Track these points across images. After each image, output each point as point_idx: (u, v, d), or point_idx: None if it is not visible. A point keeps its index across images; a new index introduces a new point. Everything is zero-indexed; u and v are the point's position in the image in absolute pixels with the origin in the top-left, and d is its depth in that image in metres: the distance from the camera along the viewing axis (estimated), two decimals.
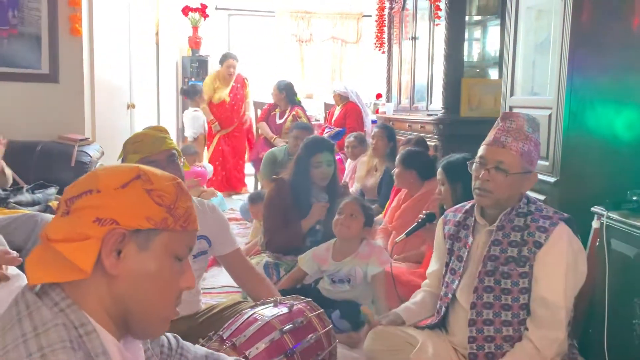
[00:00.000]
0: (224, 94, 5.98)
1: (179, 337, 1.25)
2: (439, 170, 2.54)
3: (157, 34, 5.90)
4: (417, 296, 2.12)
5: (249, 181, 6.34)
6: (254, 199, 4.02)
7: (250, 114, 6.44)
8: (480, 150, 1.84)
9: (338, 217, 2.66)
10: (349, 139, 4.91)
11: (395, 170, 3.31)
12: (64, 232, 0.87)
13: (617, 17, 2.26)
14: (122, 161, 2.07)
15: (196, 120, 5.85)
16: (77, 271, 0.85)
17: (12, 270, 1.89)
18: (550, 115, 2.40)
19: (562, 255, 1.73)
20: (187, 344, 1.24)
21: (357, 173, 4.68)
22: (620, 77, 2.27)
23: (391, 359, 1.98)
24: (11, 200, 2.61)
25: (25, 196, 2.70)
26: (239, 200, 5.36)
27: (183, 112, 6.32)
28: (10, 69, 3.47)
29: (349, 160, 5.04)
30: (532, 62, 2.71)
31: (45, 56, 3.47)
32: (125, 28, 4.52)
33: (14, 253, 1.80)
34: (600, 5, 2.25)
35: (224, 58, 6.03)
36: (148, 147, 1.99)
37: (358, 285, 2.61)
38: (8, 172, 2.69)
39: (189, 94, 6.05)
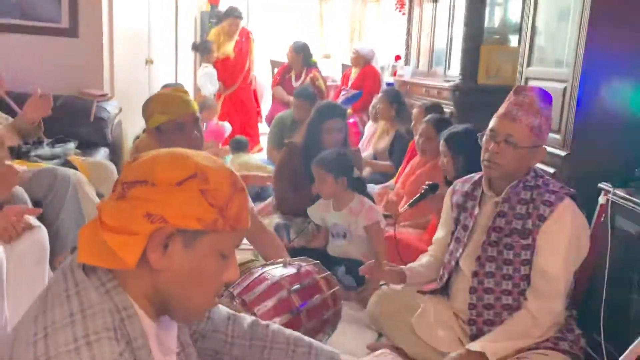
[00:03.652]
0: (228, 49, 5.88)
1: None
2: (442, 142, 2.56)
3: None
4: (423, 259, 2.18)
5: (264, 140, 6.36)
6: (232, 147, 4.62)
7: (257, 73, 6.35)
8: (491, 123, 1.85)
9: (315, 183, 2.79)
10: (375, 101, 4.91)
11: (421, 139, 3.21)
12: (115, 220, 0.88)
13: None
14: (146, 121, 2.12)
15: (211, 76, 5.81)
16: (122, 262, 0.87)
17: (34, 222, 1.97)
18: (565, 89, 2.39)
19: (565, 230, 1.76)
20: None
21: (374, 137, 4.70)
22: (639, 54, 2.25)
23: (393, 321, 2.07)
24: (32, 153, 2.68)
25: (46, 150, 2.77)
26: None
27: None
28: (31, 22, 3.49)
29: (369, 122, 5.04)
30: (551, 34, 2.68)
31: (65, 10, 3.48)
32: None
33: (18, 169, 1.89)
34: None
35: (227, 15, 5.86)
36: (177, 109, 2.03)
37: (353, 240, 2.73)
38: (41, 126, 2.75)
39: (200, 50, 5.99)
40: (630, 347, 1.43)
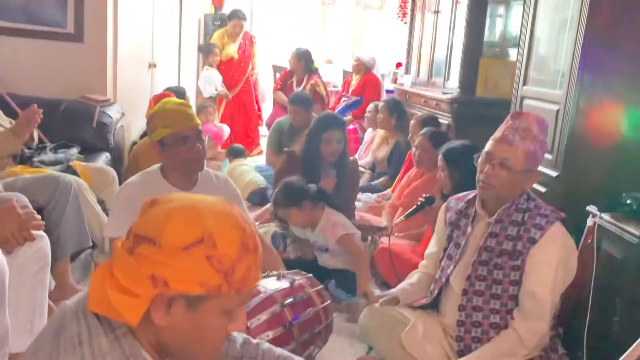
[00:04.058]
0: (232, 50, 6.00)
1: None
2: (440, 156, 2.61)
3: None
4: (413, 277, 2.23)
5: (264, 142, 6.41)
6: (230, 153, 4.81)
7: (260, 75, 6.44)
8: (488, 146, 1.90)
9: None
10: (369, 107, 4.99)
11: (417, 151, 3.26)
12: (122, 275, 0.90)
13: (633, 19, 2.26)
14: (150, 133, 2.16)
15: (210, 78, 5.87)
16: (125, 320, 0.91)
17: (36, 233, 2.02)
18: (558, 111, 2.44)
19: (555, 253, 1.81)
20: None
21: (373, 144, 4.75)
22: (631, 79, 2.29)
23: (384, 335, 2.12)
24: (35, 159, 2.73)
25: (49, 155, 2.82)
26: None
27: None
28: (37, 26, 3.53)
29: (369, 129, 5.10)
30: (546, 55, 2.73)
31: (71, 16, 3.52)
32: None
33: (37, 217, 1.93)
34: (617, 7, 2.26)
35: (231, 17, 6.04)
36: (180, 122, 2.08)
37: (336, 253, 2.80)
38: (35, 134, 2.81)
39: (203, 51, 6.05)
40: (632, 347, 1.46)
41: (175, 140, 2.07)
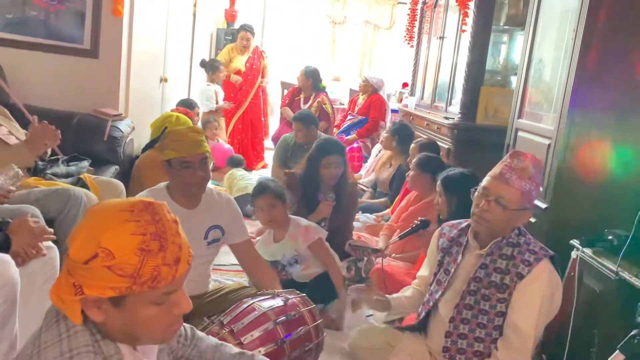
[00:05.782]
0: (239, 63, 6.13)
1: (194, 329, 1.45)
2: (438, 182, 2.70)
3: (195, 4, 6.05)
4: (408, 291, 2.31)
5: (269, 156, 6.52)
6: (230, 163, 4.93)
7: (269, 86, 6.56)
8: (485, 181, 1.95)
9: (260, 214, 2.87)
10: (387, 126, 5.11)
11: (411, 173, 3.37)
12: (63, 279, 1.03)
13: (622, 60, 2.37)
14: (161, 151, 2.28)
15: (207, 95, 5.91)
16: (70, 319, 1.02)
17: (47, 244, 2.13)
18: (549, 145, 2.54)
19: (540, 290, 1.87)
20: (201, 334, 1.42)
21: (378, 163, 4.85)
22: (620, 117, 2.39)
23: (373, 356, 2.21)
24: (48, 171, 2.85)
25: (61, 168, 2.94)
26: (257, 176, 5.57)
27: None
28: (55, 41, 3.67)
29: (375, 147, 5.20)
30: (541, 91, 2.83)
31: (88, 33, 3.66)
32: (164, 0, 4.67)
33: (49, 230, 2.04)
34: (607, 47, 2.36)
35: (239, 30, 6.20)
36: (187, 148, 2.20)
37: (306, 260, 2.86)
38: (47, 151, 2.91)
39: (207, 68, 6.18)
40: None
41: (180, 164, 2.19)
